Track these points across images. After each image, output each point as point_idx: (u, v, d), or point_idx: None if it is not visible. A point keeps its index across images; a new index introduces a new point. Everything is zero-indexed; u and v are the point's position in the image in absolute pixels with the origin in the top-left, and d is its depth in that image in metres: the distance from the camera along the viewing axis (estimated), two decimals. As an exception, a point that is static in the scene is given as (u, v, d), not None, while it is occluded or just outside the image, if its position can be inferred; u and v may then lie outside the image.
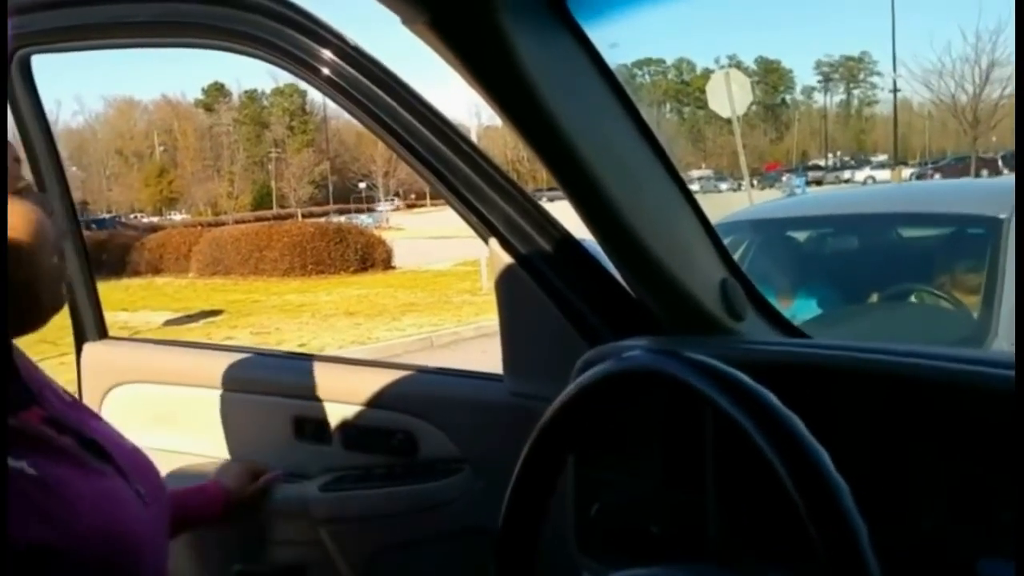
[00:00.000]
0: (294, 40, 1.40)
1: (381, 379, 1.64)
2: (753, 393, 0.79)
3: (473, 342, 9.21)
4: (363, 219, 31.45)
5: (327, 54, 1.40)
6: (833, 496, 0.72)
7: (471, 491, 1.56)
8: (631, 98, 1.08)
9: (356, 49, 1.40)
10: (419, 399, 1.61)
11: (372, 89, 1.41)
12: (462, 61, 0.96)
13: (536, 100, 0.98)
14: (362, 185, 57.83)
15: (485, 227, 1.46)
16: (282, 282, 16.78)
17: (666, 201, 1.17)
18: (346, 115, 1.46)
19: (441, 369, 1.76)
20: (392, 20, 0.97)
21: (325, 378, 1.66)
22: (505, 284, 1.49)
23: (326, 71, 1.41)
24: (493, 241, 1.46)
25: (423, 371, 1.73)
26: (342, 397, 1.63)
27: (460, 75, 1.00)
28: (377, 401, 1.62)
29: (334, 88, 1.41)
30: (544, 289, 1.44)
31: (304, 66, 1.41)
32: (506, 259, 1.46)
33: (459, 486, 1.57)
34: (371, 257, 17.89)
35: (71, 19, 1.46)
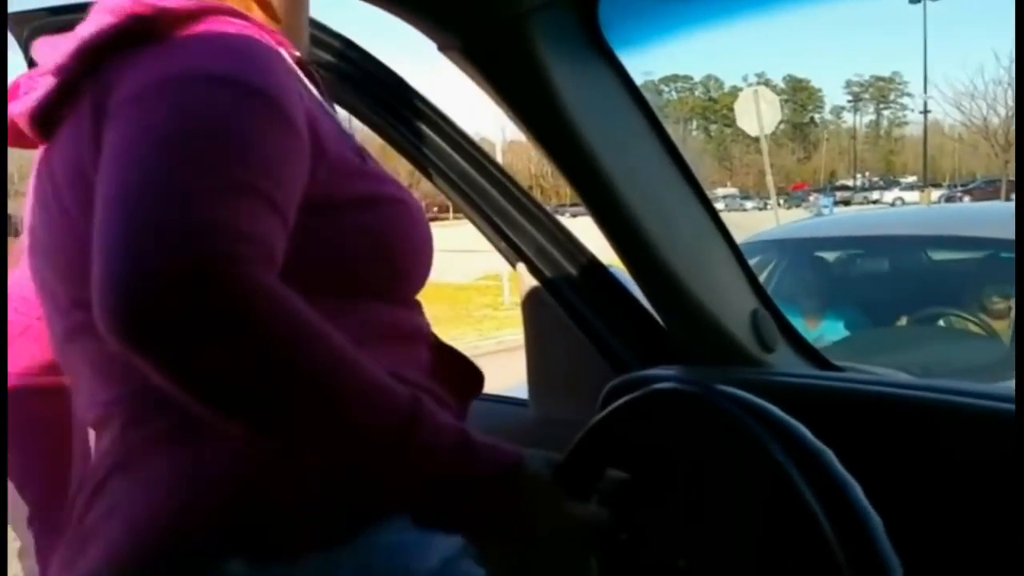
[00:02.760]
0: (323, 61, 1.40)
1: None
2: (788, 428, 0.78)
3: (493, 356, 9.21)
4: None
5: (356, 76, 1.40)
6: (867, 533, 0.71)
7: None
8: (664, 127, 1.08)
9: (385, 71, 1.40)
10: None
11: (402, 113, 1.41)
12: (496, 88, 0.96)
13: (569, 127, 0.98)
14: (387, 197, 57.96)
15: (513, 252, 1.45)
16: (305, 293, 16.79)
17: (698, 230, 1.16)
18: (370, 127, 1.46)
19: None
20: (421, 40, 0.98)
21: None
22: (532, 309, 1.48)
23: (355, 93, 1.41)
24: (521, 266, 1.45)
25: None
26: None
27: (493, 100, 1.00)
28: None
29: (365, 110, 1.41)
30: (571, 315, 1.43)
31: (333, 87, 1.41)
32: (533, 284, 1.45)
33: None
34: (394, 269, 17.88)
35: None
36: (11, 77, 0.84)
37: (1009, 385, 2.27)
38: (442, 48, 0.93)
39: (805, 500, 0.74)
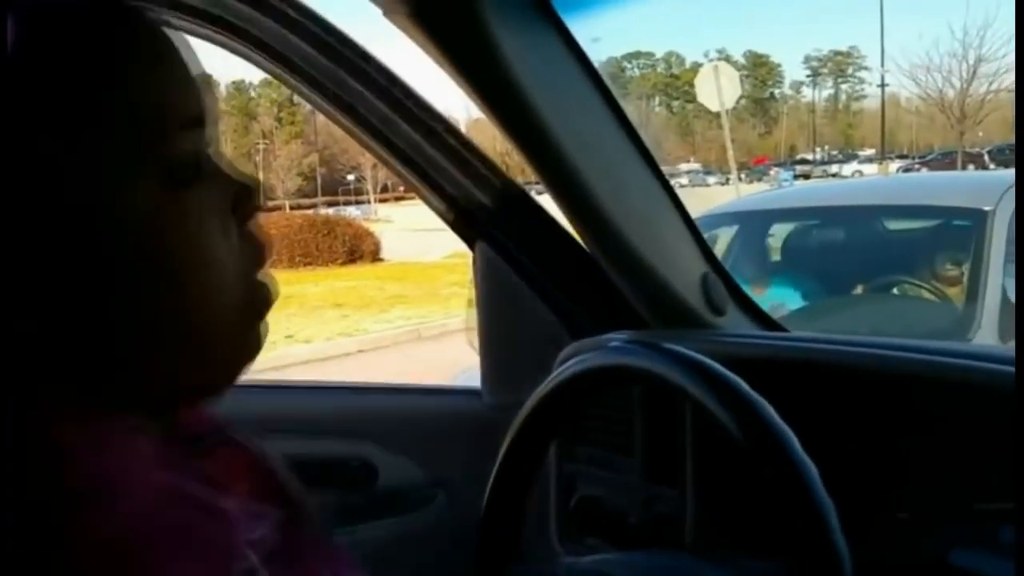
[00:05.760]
0: (261, 24, 1.23)
1: (327, 403, 1.50)
2: (719, 376, 0.80)
3: (461, 334, 9.18)
4: (352, 211, 31.40)
5: (294, 39, 1.24)
6: (800, 475, 0.73)
7: (445, 521, 1.41)
8: (613, 93, 1.09)
9: (328, 30, 1.26)
10: (376, 421, 1.45)
11: (340, 75, 1.27)
12: (443, 53, 0.96)
13: (517, 94, 0.99)
14: (351, 177, 57.76)
15: (468, 224, 1.37)
16: (269, 274, 16.72)
17: (647, 196, 1.17)
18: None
19: (400, 387, 1.64)
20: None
21: (261, 406, 1.36)
22: (488, 287, 1.41)
23: (289, 55, 1.25)
24: (480, 244, 1.38)
25: (379, 390, 1.62)
26: (281, 426, 1.32)
27: (441, 68, 1.00)
28: (324, 428, 1.44)
29: (305, 80, 1.27)
30: (534, 287, 1.36)
31: (269, 52, 1.25)
32: (491, 258, 1.38)
33: (430, 517, 1.41)
34: (359, 249, 17.85)
35: None
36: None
37: (958, 343, 2.32)
38: (387, 13, 0.93)
39: (740, 447, 0.76)
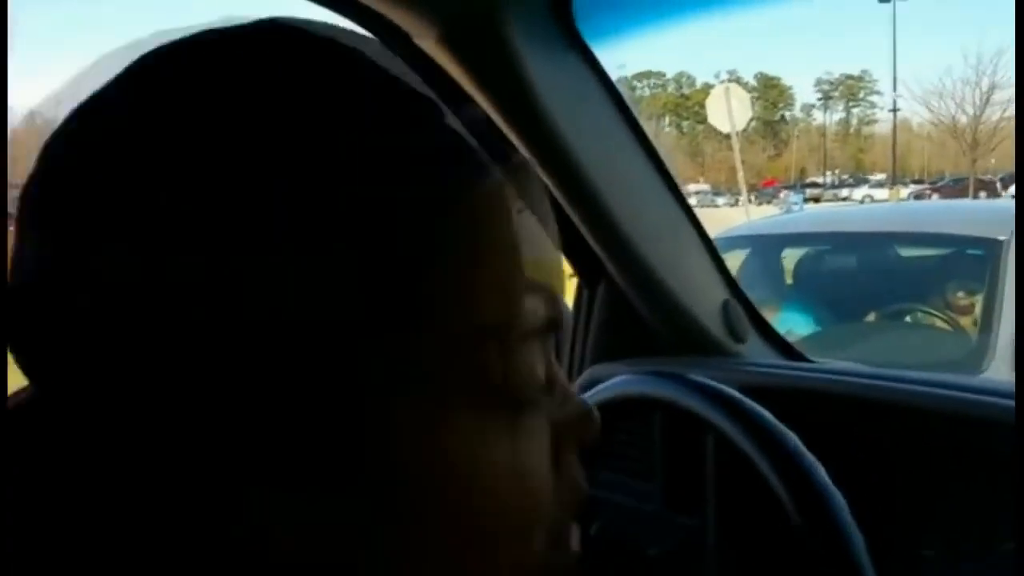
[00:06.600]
0: None
1: None
2: (747, 410, 0.79)
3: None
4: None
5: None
6: (828, 506, 0.73)
7: None
8: (637, 119, 1.09)
9: None
10: None
11: None
12: (470, 77, 0.96)
13: (542, 117, 0.99)
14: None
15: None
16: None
17: (669, 221, 1.17)
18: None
19: None
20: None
21: None
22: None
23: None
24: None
25: None
26: None
27: (468, 90, 1.00)
28: None
29: None
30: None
31: None
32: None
33: None
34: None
35: None
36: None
37: (983, 378, 2.30)
38: (417, 37, 0.93)
39: (766, 481, 0.75)
